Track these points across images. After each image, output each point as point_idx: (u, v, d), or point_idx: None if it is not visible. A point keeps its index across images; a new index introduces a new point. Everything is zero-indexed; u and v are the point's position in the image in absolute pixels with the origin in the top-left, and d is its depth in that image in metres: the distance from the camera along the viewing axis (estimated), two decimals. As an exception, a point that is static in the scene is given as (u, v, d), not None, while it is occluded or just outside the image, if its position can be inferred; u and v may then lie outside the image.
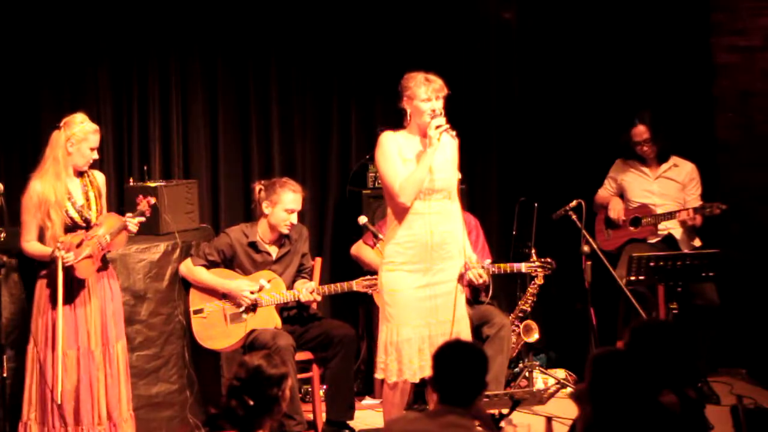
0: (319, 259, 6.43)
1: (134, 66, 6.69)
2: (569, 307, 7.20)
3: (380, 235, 6.01)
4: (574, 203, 6.39)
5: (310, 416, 6.15)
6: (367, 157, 6.80)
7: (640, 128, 6.83)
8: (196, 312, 6.03)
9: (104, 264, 5.52)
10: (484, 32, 7.47)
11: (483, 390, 3.90)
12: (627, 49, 7.44)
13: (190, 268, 6.02)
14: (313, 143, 7.18)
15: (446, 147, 5.23)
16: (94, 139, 5.44)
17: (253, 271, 6.07)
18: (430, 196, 5.17)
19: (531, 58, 7.51)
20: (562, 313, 7.34)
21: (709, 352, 6.81)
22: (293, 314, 6.19)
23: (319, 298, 6.08)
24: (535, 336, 6.70)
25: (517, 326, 6.65)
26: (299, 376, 6.13)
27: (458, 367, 3.82)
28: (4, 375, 5.40)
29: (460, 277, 5.28)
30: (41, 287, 5.40)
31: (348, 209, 6.97)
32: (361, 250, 6.51)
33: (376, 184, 6.77)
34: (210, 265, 6.04)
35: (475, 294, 6.37)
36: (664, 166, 6.89)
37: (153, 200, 5.66)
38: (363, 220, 6.29)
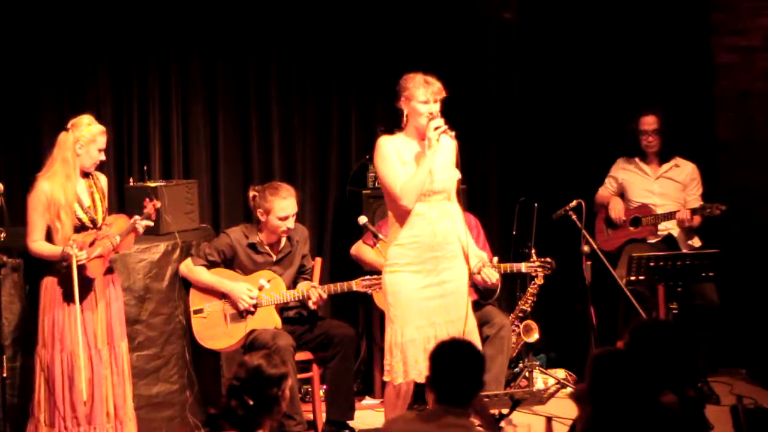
0: (319, 259, 6.43)
1: (134, 66, 6.69)
2: (569, 307, 7.20)
3: (380, 235, 6.01)
4: (574, 203, 6.39)
5: (310, 416, 6.15)
6: (367, 157, 6.79)
7: (651, 117, 6.82)
8: (197, 312, 6.03)
9: (109, 267, 5.53)
10: (484, 32, 7.47)
11: (480, 389, 3.90)
12: (627, 49, 7.44)
13: (191, 268, 6.02)
14: (313, 143, 7.17)
15: (445, 148, 5.23)
16: (102, 141, 5.45)
17: (254, 271, 6.07)
18: (430, 197, 5.18)
19: (531, 58, 7.51)
20: (562, 313, 7.34)
21: (709, 352, 6.81)
22: (293, 314, 6.19)
23: (324, 295, 6.07)
24: (535, 336, 6.70)
25: (517, 326, 6.65)
26: (299, 376, 6.14)
27: (455, 367, 3.82)
28: (4, 375, 5.41)
29: (470, 276, 5.32)
30: (47, 287, 5.40)
31: (348, 209, 6.97)
32: (361, 250, 6.51)
33: (376, 184, 6.77)
34: (210, 265, 6.04)
35: (486, 294, 6.39)
36: (665, 166, 6.89)
37: (158, 204, 5.69)
38: (363, 220, 6.29)
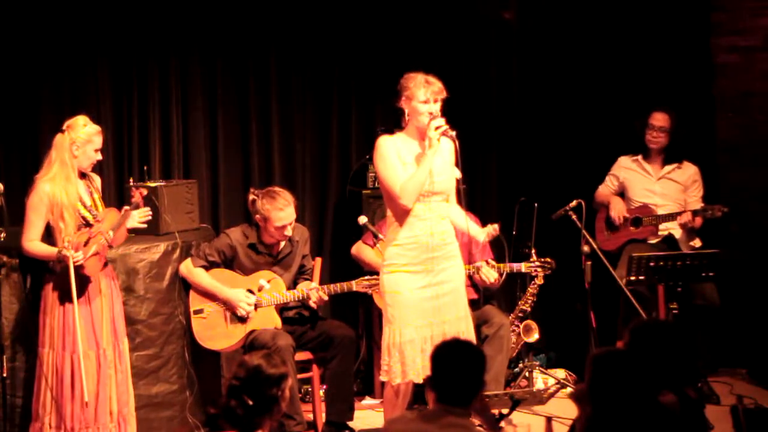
0: (319, 259, 6.43)
1: (134, 66, 6.69)
2: (569, 307, 7.20)
3: (380, 235, 6.01)
4: (574, 203, 6.39)
5: (310, 416, 6.15)
6: (367, 157, 6.79)
7: (663, 115, 6.81)
8: (196, 312, 6.03)
9: (105, 262, 5.54)
10: (484, 32, 7.47)
11: (481, 389, 3.90)
12: (627, 49, 7.44)
13: (190, 269, 6.01)
14: (313, 143, 7.17)
15: (444, 150, 5.24)
16: (98, 141, 5.46)
17: (254, 271, 6.06)
18: (429, 198, 5.18)
19: (531, 58, 7.51)
20: (562, 313, 7.34)
21: (709, 352, 6.81)
22: (293, 314, 6.19)
23: (325, 297, 6.07)
24: (535, 336, 6.70)
25: (517, 326, 6.65)
26: (299, 376, 6.14)
27: (456, 367, 3.82)
28: (4, 375, 5.41)
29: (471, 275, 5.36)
30: (49, 290, 5.40)
31: (348, 209, 6.97)
32: (361, 250, 6.51)
33: (376, 184, 6.77)
34: (210, 265, 6.04)
35: (487, 294, 6.41)
36: (668, 167, 6.89)
37: (145, 191, 5.69)
38: (363, 220, 6.29)
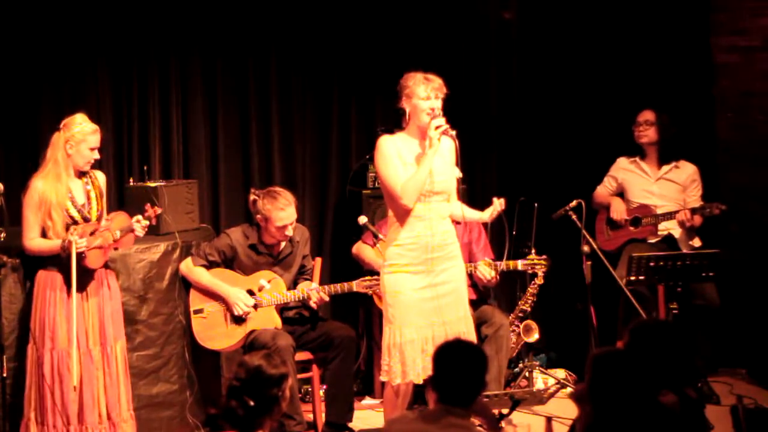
0: (319, 259, 6.43)
1: (134, 66, 6.69)
2: (569, 307, 7.20)
3: (380, 235, 6.02)
4: (574, 203, 6.39)
5: (310, 416, 6.15)
6: (367, 157, 6.80)
7: (647, 111, 6.85)
8: (197, 312, 6.03)
9: (106, 262, 5.54)
10: (484, 32, 7.47)
11: (483, 390, 3.90)
12: (627, 49, 7.44)
13: (191, 268, 6.01)
14: (313, 143, 7.17)
15: (445, 149, 5.24)
16: (93, 140, 5.45)
17: (254, 271, 6.06)
18: (430, 198, 5.18)
19: (531, 58, 7.51)
20: (562, 313, 7.34)
21: (709, 352, 6.81)
22: (293, 314, 6.19)
23: (326, 297, 6.07)
24: (535, 336, 6.70)
25: (517, 326, 6.65)
26: (299, 376, 6.14)
27: (458, 367, 3.82)
28: (4, 375, 5.40)
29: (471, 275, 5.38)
30: (40, 283, 5.42)
31: (348, 209, 6.97)
32: (361, 249, 6.51)
33: (376, 184, 6.77)
34: (210, 265, 6.04)
35: (485, 293, 6.41)
36: (666, 168, 6.89)
37: (159, 210, 5.73)
38: (363, 220, 6.29)
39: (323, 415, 6.08)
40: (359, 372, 6.81)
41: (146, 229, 5.59)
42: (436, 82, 5.18)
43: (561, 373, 6.99)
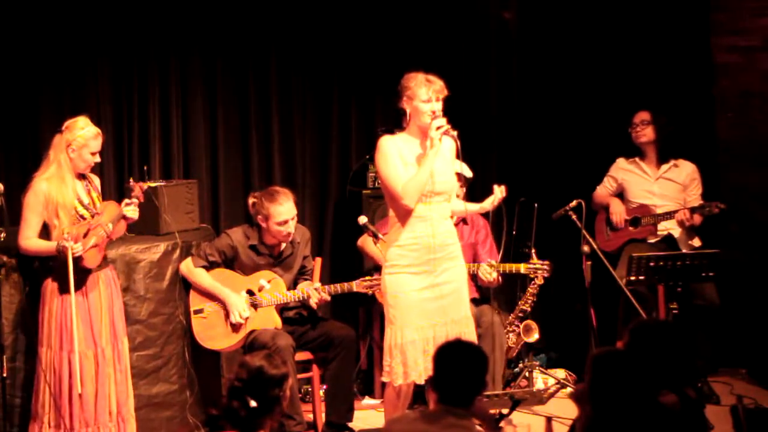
0: (319, 259, 6.43)
1: (134, 66, 6.69)
2: (569, 307, 7.20)
3: (380, 235, 6.01)
4: (574, 203, 6.39)
5: (310, 416, 6.15)
6: (367, 157, 6.80)
7: (643, 111, 6.86)
8: (197, 312, 6.03)
9: (105, 259, 5.54)
10: (484, 32, 7.47)
11: (483, 390, 3.90)
12: (627, 49, 7.44)
13: (191, 269, 6.01)
14: (313, 143, 7.17)
15: (445, 150, 5.24)
16: (95, 144, 5.44)
17: (255, 271, 6.06)
18: (431, 198, 5.18)
19: (531, 58, 7.51)
20: (562, 313, 7.34)
21: (709, 352, 6.81)
22: (293, 314, 6.19)
23: (327, 297, 6.07)
24: (535, 336, 6.70)
25: (517, 326, 6.65)
26: (299, 376, 6.14)
27: (458, 368, 3.82)
28: (4, 375, 5.41)
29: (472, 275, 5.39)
30: (49, 289, 5.40)
31: (348, 209, 6.97)
32: (366, 242, 6.48)
33: (376, 184, 6.77)
34: (210, 265, 6.04)
35: (486, 292, 6.41)
36: (665, 167, 6.89)
37: (146, 185, 5.70)
38: (363, 220, 6.27)
39: (323, 415, 6.08)
40: (360, 372, 6.81)
41: (138, 209, 5.54)
42: (438, 84, 5.18)
43: (561, 373, 7.00)
